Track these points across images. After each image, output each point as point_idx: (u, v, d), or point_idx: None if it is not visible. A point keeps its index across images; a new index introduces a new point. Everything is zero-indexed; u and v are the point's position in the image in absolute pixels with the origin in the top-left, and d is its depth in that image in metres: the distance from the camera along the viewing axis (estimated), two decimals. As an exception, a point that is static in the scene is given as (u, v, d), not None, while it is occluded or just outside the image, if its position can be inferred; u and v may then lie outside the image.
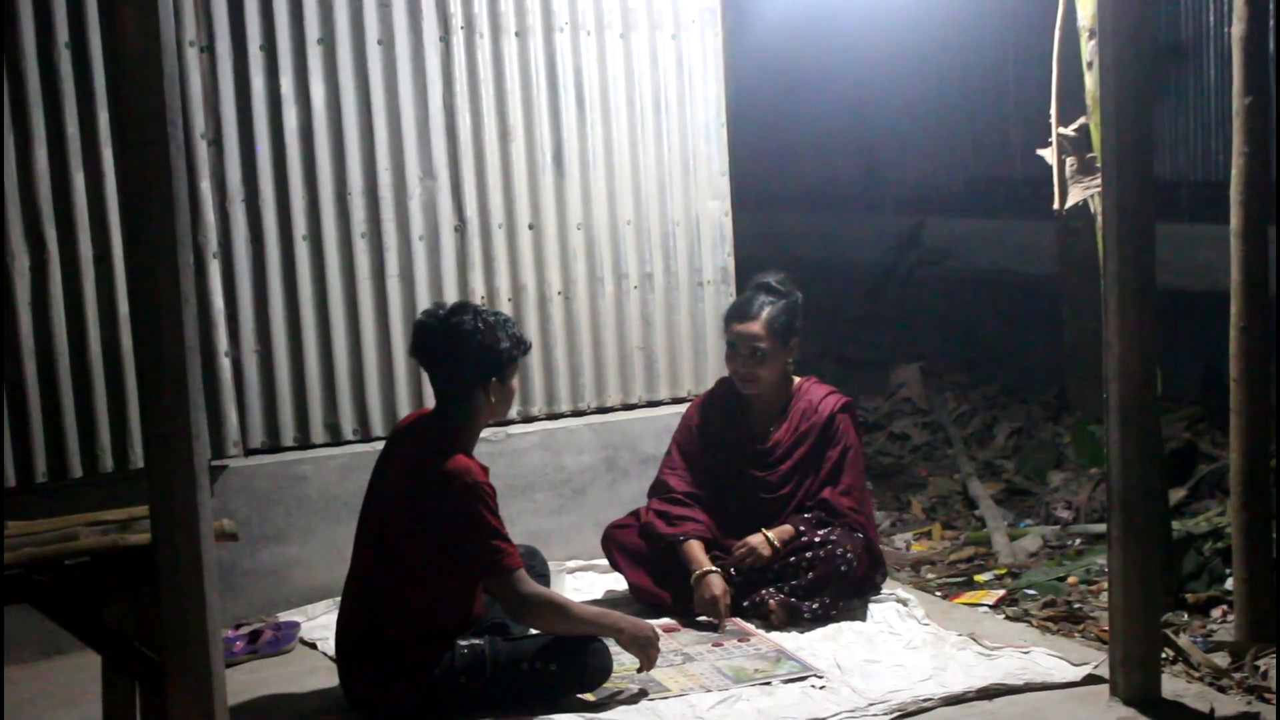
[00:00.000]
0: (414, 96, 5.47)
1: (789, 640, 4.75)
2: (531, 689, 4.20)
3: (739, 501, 5.19)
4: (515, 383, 4.42)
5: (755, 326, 5.09)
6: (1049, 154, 5.12)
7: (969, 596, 5.40)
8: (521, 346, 4.37)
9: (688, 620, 4.95)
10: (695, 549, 5.01)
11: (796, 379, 5.28)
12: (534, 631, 4.37)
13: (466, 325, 4.24)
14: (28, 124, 4.89)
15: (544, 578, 4.81)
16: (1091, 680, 4.27)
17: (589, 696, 4.28)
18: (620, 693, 4.31)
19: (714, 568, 4.96)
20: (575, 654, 4.25)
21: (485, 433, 5.46)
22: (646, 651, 4.36)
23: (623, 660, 4.51)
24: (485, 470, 4.27)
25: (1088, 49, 4.93)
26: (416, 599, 4.16)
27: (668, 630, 4.83)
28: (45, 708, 4.53)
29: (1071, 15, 5.04)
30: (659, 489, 5.24)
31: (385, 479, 4.33)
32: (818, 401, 5.20)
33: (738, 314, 5.19)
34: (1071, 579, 5.50)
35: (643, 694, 4.30)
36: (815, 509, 5.08)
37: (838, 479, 5.11)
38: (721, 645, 4.71)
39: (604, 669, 4.31)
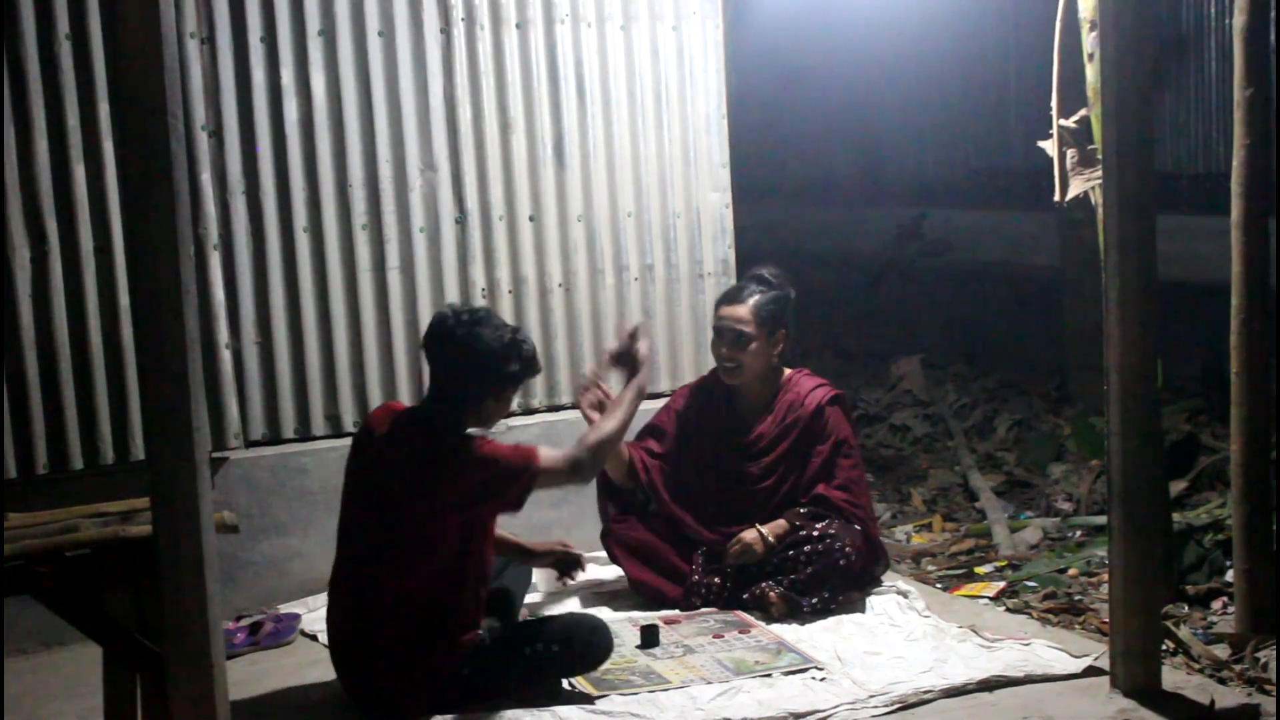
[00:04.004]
0: (415, 88, 5.47)
1: (789, 632, 4.75)
2: (534, 672, 4.21)
3: (724, 492, 5.19)
4: (511, 400, 4.41)
5: (741, 310, 5.10)
6: (1050, 146, 5.12)
7: (969, 588, 5.41)
8: (532, 369, 4.35)
9: (689, 611, 4.96)
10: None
11: (787, 371, 5.27)
12: (531, 617, 4.41)
13: (488, 338, 4.19)
14: (29, 116, 4.90)
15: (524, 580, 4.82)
16: (1092, 672, 4.27)
17: (589, 689, 4.28)
18: (620, 683, 4.31)
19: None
20: (575, 632, 4.27)
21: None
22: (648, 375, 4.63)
23: (623, 653, 4.53)
24: None
25: (1089, 41, 4.92)
26: (421, 596, 4.14)
27: (669, 622, 4.84)
28: (46, 699, 4.53)
29: (1073, 7, 5.04)
30: None
31: (380, 481, 4.22)
32: (805, 394, 5.19)
33: (725, 298, 5.23)
34: (1072, 571, 5.51)
35: (643, 684, 4.30)
36: (810, 504, 5.07)
37: (831, 473, 5.10)
38: (722, 637, 4.71)
39: (605, 647, 4.33)
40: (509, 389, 4.30)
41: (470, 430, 4.22)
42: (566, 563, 4.83)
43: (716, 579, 5.03)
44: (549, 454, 4.25)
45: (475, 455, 4.14)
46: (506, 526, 4.53)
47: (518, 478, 4.17)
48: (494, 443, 4.22)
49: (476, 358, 4.19)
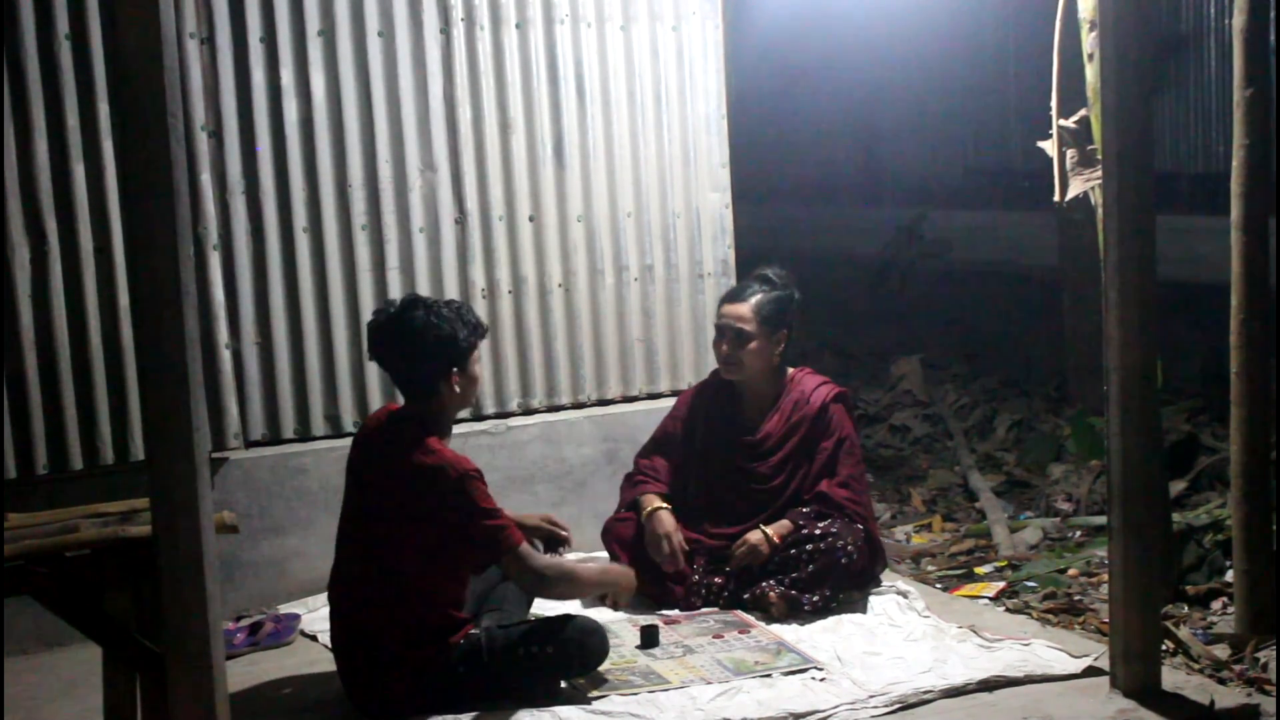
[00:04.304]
0: (414, 88, 5.47)
1: (789, 632, 4.75)
2: (529, 673, 4.21)
3: (732, 492, 5.20)
4: (479, 368, 4.40)
5: (742, 309, 5.11)
6: (1049, 146, 5.12)
7: (969, 589, 5.40)
8: (479, 332, 4.35)
9: (689, 611, 4.96)
10: (649, 498, 5.13)
11: (790, 370, 5.28)
12: (530, 617, 4.40)
13: (418, 321, 4.21)
14: (28, 116, 4.89)
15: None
16: (1092, 672, 4.27)
17: (589, 689, 4.29)
18: (620, 684, 4.31)
19: (664, 505, 5.07)
20: (570, 635, 4.26)
21: (484, 425, 5.51)
22: (630, 593, 4.62)
23: (623, 653, 4.53)
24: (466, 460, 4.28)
25: (1088, 41, 4.92)
26: (413, 597, 4.15)
27: (668, 622, 4.84)
28: (45, 699, 4.53)
29: (1072, 7, 5.04)
30: (631, 472, 5.34)
31: (370, 482, 4.28)
32: (810, 392, 5.21)
33: (728, 296, 5.26)
34: (1072, 571, 5.51)
35: (643, 685, 4.31)
36: (813, 502, 5.08)
37: (834, 471, 5.12)
38: (722, 637, 4.71)
39: (601, 649, 4.33)
40: (468, 357, 4.30)
41: (471, 470, 4.19)
42: (554, 540, 4.76)
43: (717, 579, 5.03)
44: (529, 550, 4.26)
45: (461, 486, 4.13)
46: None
47: (492, 543, 4.16)
48: (489, 495, 4.20)
49: (421, 340, 4.21)
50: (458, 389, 4.29)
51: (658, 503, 5.10)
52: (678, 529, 5.03)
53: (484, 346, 4.63)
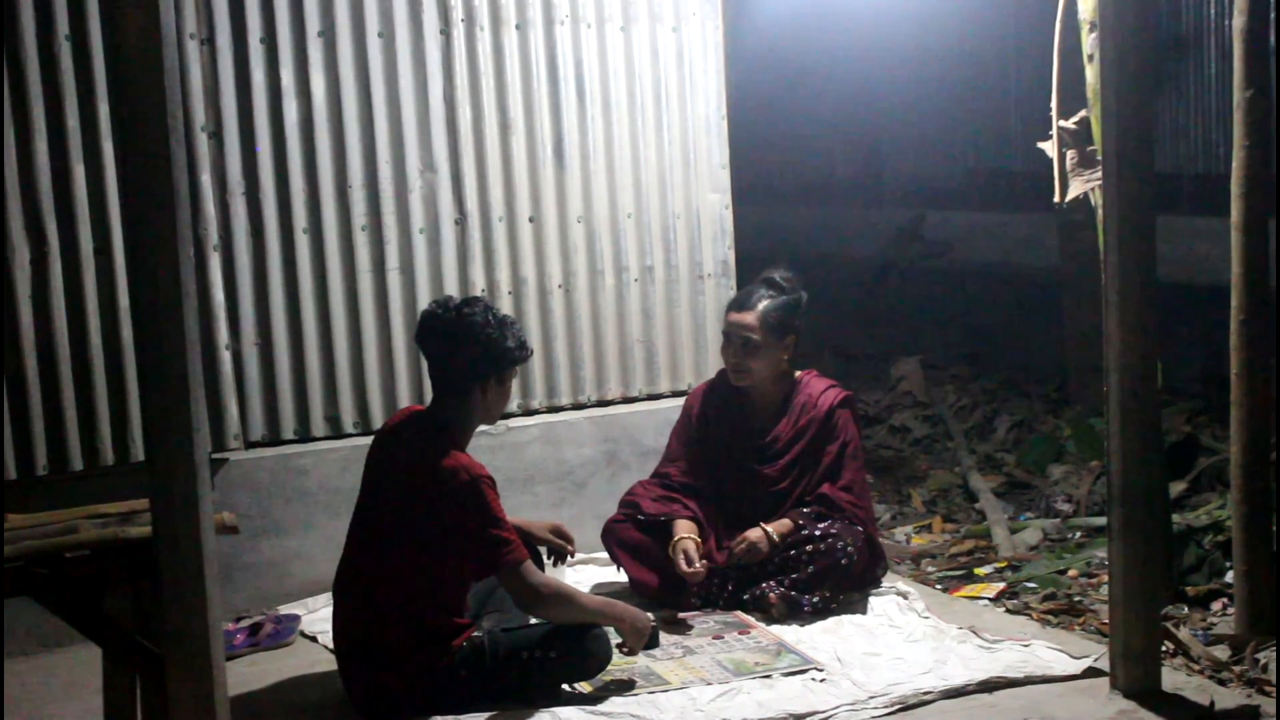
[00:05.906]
0: (414, 89, 5.47)
1: (789, 633, 4.75)
2: (531, 678, 4.21)
3: (739, 494, 5.20)
4: (511, 388, 4.41)
5: (748, 317, 5.11)
6: (1050, 147, 5.12)
7: (969, 590, 5.40)
8: (525, 351, 4.37)
9: (687, 612, 4.96)
10: (680, 526, 5.04)
11: (798, 373, 5.28)
12: (533, 621, 4.40)
13: (477, 317, 4.24)
14: (28, 117, 4.89)
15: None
16: (1092, 673, 4.27)
17: (586, 686, 4.29)
18: (620, 684, 4.31)
19: (692, 537, 4.98)
20: (575, 642, 4.26)
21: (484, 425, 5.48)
22: (641, 640, 4.43)
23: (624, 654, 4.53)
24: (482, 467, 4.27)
25: (1088, 42, 4.92)
26: (415, 598, 4.15)
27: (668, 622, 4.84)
28: (46, 700, 4.53)
29: (1072, 8, 5.04)
30: (658, 478, 5.28)
31: (383, 479, 4.31)
32: (817, 395, 5.21)
33: (734, 304, 5.24)
34: (1072, 572, 5.51)
35: (643, 685, 4.30)
36: (815, 503, 5.08)
37: (837, 474, 5.12)
38: (722, 638, 4.71)
39: (604, 656, 4.32)
40: (507, 369, 4.31)
41: (485, 476, 4.19)
42: (559, 552, 4.75)
43: (716, 580, 5.03)
44: (530, 567, 4.22)
45: (474, 490, 4.13)
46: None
47: (492, 553, 4.14)
48: (499, 505, 4.19)
49: (472, 335, 4.22)
50: (488, 398, 4.29)
51: (684, 531, 5.03)
52: (699, 546, 4.97)
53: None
